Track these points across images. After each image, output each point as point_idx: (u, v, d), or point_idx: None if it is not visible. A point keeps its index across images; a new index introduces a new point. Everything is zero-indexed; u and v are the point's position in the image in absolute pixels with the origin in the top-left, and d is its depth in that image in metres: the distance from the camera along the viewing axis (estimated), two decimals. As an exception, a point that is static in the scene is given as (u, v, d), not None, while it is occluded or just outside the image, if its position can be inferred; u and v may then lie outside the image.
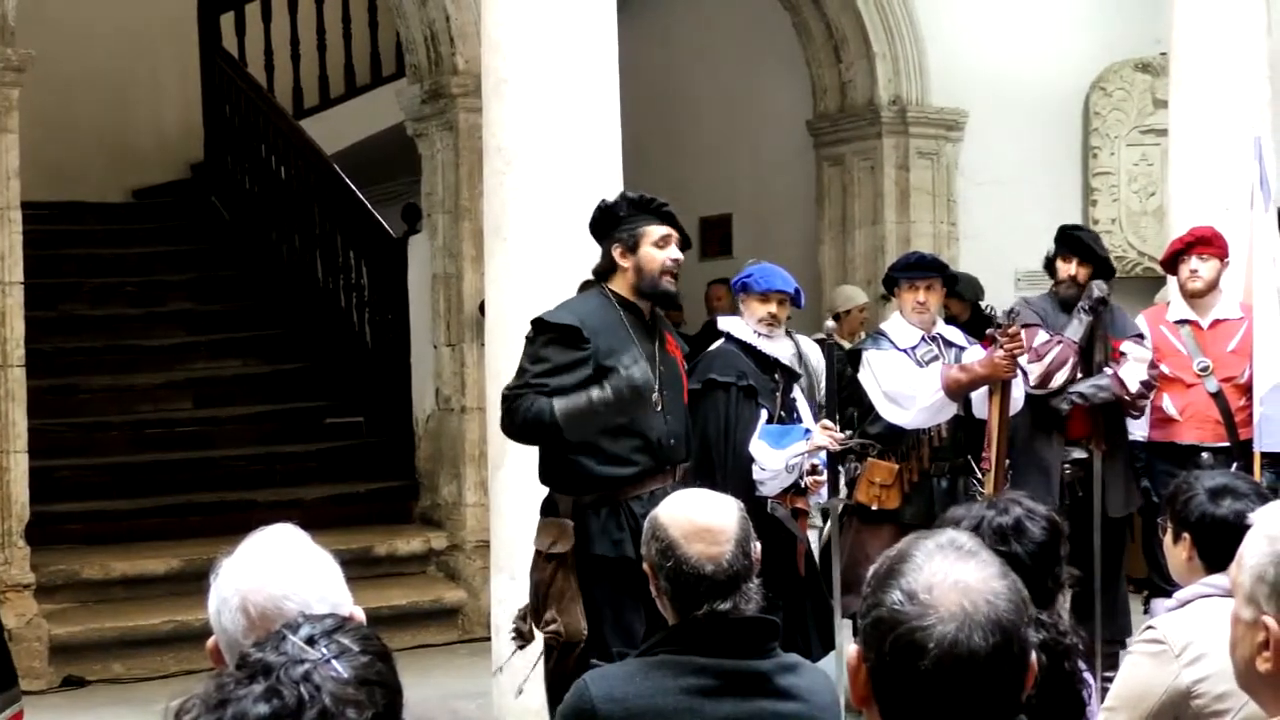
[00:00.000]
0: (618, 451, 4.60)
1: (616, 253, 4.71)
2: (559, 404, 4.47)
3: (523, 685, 4.91)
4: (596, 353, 4.55)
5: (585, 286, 4.83)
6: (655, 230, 4.70)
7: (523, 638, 4.74)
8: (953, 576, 1.67)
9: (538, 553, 4.67)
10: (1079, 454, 6.24)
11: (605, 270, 4.76)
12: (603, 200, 4.83)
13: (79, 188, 11.24)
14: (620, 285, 4.72)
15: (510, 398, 4.59)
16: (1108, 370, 6.19)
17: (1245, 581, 1.96)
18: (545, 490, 4.78)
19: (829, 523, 5.99)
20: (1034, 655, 1.70)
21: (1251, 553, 1.98)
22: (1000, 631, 1.65)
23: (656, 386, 4.63)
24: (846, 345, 7.63)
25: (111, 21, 11.89)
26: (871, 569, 1.74)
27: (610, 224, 4.75)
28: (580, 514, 4.60)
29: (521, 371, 4.62)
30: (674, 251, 4.71)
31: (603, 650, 4.50)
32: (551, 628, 4.55)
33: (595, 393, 4.47)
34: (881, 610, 1.67)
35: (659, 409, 4.66)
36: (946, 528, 2.21)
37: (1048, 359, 6.08)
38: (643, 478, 4.62)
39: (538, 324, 4.65)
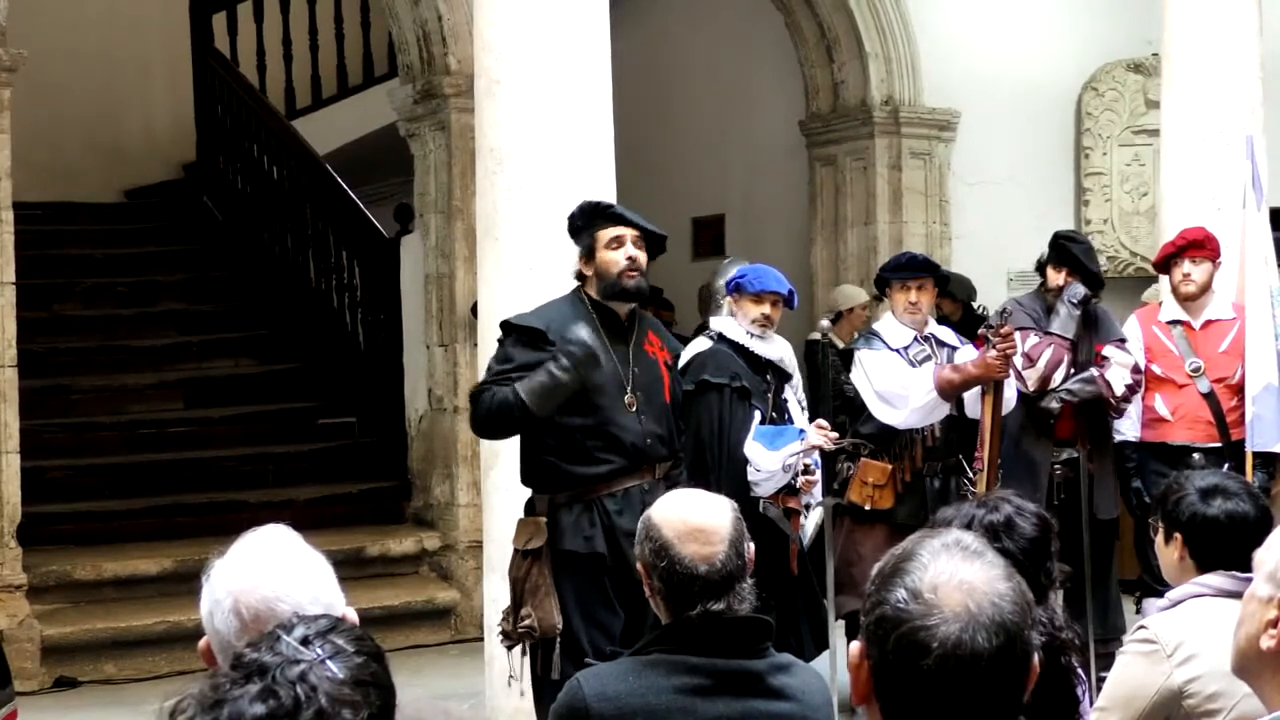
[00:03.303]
0: (589, 450, 4.69)
1: (581, 263, 4.83)
2: (520, 385, 4.58)
3: (513, 673, 4.92)
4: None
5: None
6: (605, 233, 4.78)
7: (509, 638, 4.79)
8: (958, 576, 1.67)
9: (515, 551, 4.75)
10: (1070, 454, 6.25)
11: (579, 277, 4.89)
12: (568, 214, 4.93)
13: (71, 188, 11.23)
14: (592, 290, 4.83)
15: (475, 394, 4.74)
16: (1093, 371, 6.20)
17: (1270, 560, 1.98)
18: (535, 492, 4.87)
19: (813, 517, 5.99)
20: (1036, 658, 1.70)
21: None
22: (1004, 633, 1.64)
23: (629, 386, 4.73)
24: (840, 345, 7.63)
25: (103, 21, 11.87)
26: (876, 566, 1.74)
27: (574, 234, 4.88)
28: (553, 512, 4.69)
29: (488, 372, 4.81)
30: (629, 250, 4.76)
31: (575, 645, 4.55)
32: (526, 623, 4.62)
33: (551, 365, 4.56)
34: (885, 608, 1.67)
35: (633, 409, 4.74)
36: (938, 528, 2.21)
37: (1042, 362, 6.08)
38: (615, 476, 4.71)
39: (505, 326, 4.80)
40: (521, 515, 4.85)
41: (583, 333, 4.60)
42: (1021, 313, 6.24)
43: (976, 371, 5.90)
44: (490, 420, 4.71)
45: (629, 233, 4.77)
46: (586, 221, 4.83)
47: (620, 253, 4.74)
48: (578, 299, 4.83)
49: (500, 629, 4.85)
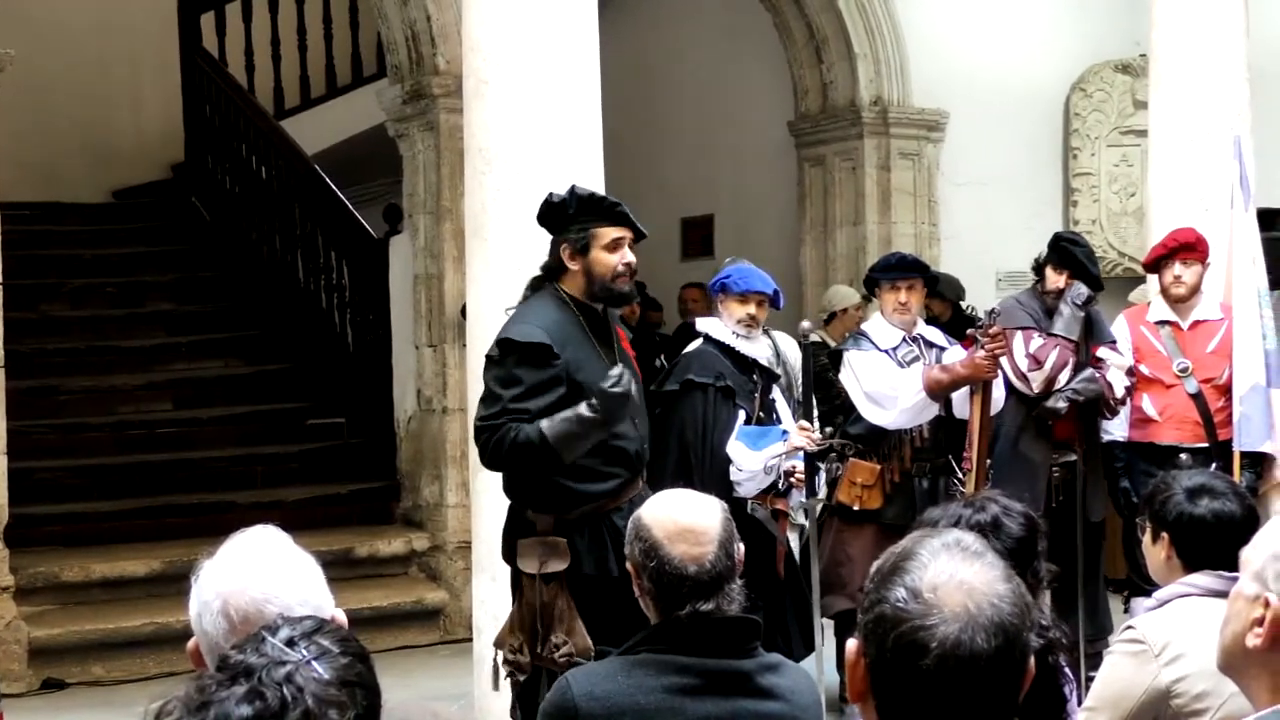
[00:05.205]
0: (593, 466, 4.43)
1: (565, 254, 4.46)
2: (547, 428, 4.27)
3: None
4: (566, 365, 4.37)
5: (536, 284, 4.59)
6: (607, 233, 4.45)
7: (522, 670, 4.49)
8: (958, 577, 1.67)
9: (528, 575, 4.45)
10: (1069, 456, 6.25)
11: (554, 269, 4.52)
12: (550, 194, 4.56)
13: (59, 188, 11.21)
14: (572, 287, 4.50)
15: (489, 429, 4.34)
16: (1092, 371, 6.20)
17: (1256, 559, 1.98)
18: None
19: (809, 522, 6.00)
20: (1032, 659, 1.70)
21: (1270, 532, 2.01)
22: (1002, 634, 1.65)
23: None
24: (832, 344, 7.65)
25: (91, 21, 11.85)
26: (875, 565, 1.74)
27: (559, 222, 4.51)
28: (563, 532, 4.42)
29: (494, 397, 4.36)
30: (627, 254, 4.47)
31: None
32: (564, 650, 4.34)
33: (584, 411, 4.28)
34: (884, 607, 1.67)
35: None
36: (925, 528, 2.21)
37: (1049, 364, 6.08)
38: (622, 489, 4.50)
39: (505, 344, 4.39)
40: (507, 535, 4.57)
41: (616, 370, 4.30)
42: (1021, 311, 6.24)
43: (965, 372, 5.90)
44: (509, 459, 4.37)
45: (628, 234, 4.49)
46: (583, 213, 4.47)
47: (618, 256, 4.45)
48: (560, 300, 4.48)
49: (509, 660, 4.52)
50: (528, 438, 4.28)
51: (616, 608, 4.16)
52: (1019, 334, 6.09)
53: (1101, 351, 6.29)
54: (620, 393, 4.28)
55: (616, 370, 4.33)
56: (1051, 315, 6.19)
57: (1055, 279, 6.25)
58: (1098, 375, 6.19)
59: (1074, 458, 6.26)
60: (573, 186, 4.58)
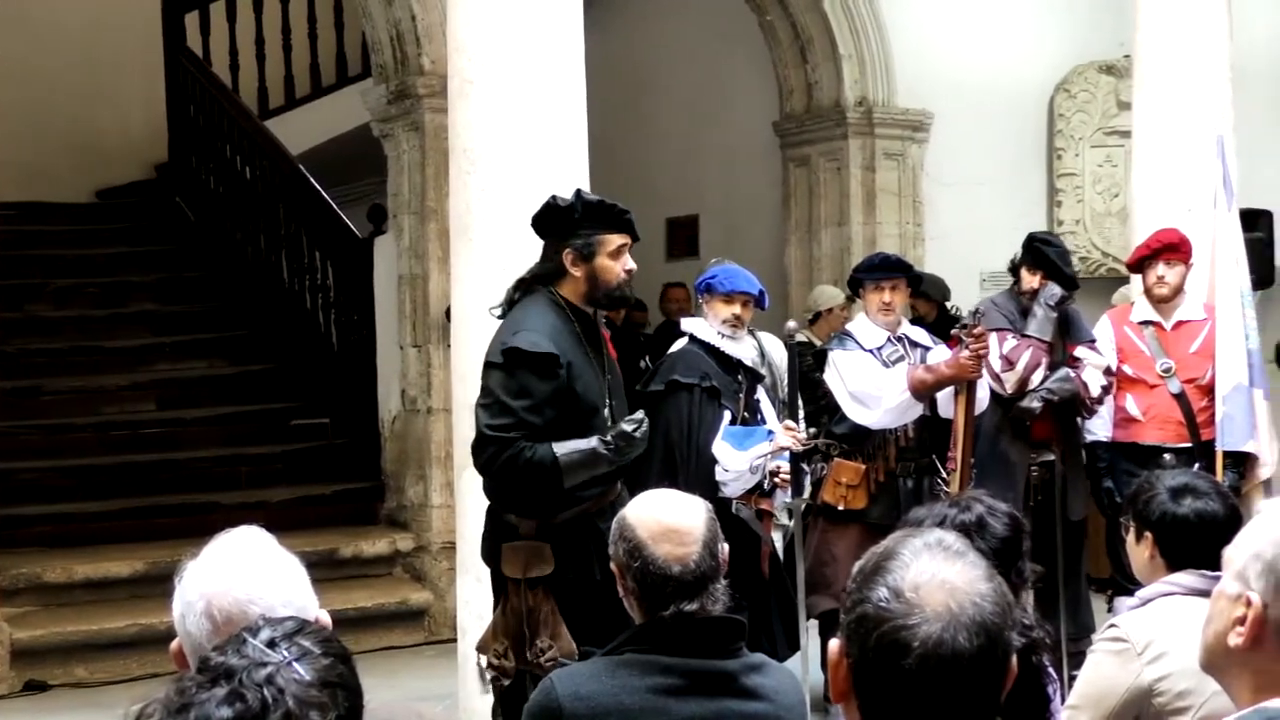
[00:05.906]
0: None
1: (568, 260, 4.41)
2: (560, 453, 4.27)
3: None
4: (567, 373, 4.35)
5: (523, 286, 4.51)
6: (613, 240, 4.42)
7: (506, 675, 4.46)
8: (940, 576, 1.67)
9: (513, 580, 4.44)
10: (1048, 456, 6.27)
11: (551, 274, 4.47)
12: (553, 198, 4.50)
13: (43, 187, 11.18)
14: (569, 291, 4.46)
15: (499, 441, 4.29)
16: (1068, 371, 6.22)
17: (1238, 558, 1.99)
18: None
19: (794, 522, 6.00)
20: (1014, 658, 1.71)
21: (1253, 532, 2.01)
22: (985, 633, 1.65)
23: (608, 399, 4.49)
24: (818, 344, 7.66)
25: (76, 21, 11.82)
26: (858, 565, 1.74)
27: (562, 226, 4.45)
28: (546, 537, 4.41)
29: (504, 408, 4.29)
30: (629, 261, 4.46)
31: None
32: (549, 654, 4.32)
33: (599, 447, 4.30)
34: (866, 607, 1.67)
35: (611, 421, 4.47)
36: (910, 527, 2.21)
37: (1021, 365, 6.09)
38: (605, 493, 4.49)
39: (513, 354, 4.30)
40: (488, 539, 4.56)
41: (640, 414, 4.35)
42: (996, 313, 6.25)
43: (950, 372, 5.91)
44: (518, 476, 4.31)
45: (629, 241, 4.48)
46: (589, 219, 4.41)
47: (621, 262, 4.44)
48: (556, 304, 4.43)
49: (493, 665, 4.49)
50: (541, 459, 4.27)
51: (599, 612, 4.17)
52: (993, 335, 6.10)
53: (1079, 351, 6.31)
54: (640, 439, 4.33)
55: (640, 415, 4.38)
56: (1027, 316, 6.21)
57: (1030, 279, 6.26)
58: (1073, 375, 6.21)
59: (1052, 457, 6.28)
60: (578, 191, 4.54)
